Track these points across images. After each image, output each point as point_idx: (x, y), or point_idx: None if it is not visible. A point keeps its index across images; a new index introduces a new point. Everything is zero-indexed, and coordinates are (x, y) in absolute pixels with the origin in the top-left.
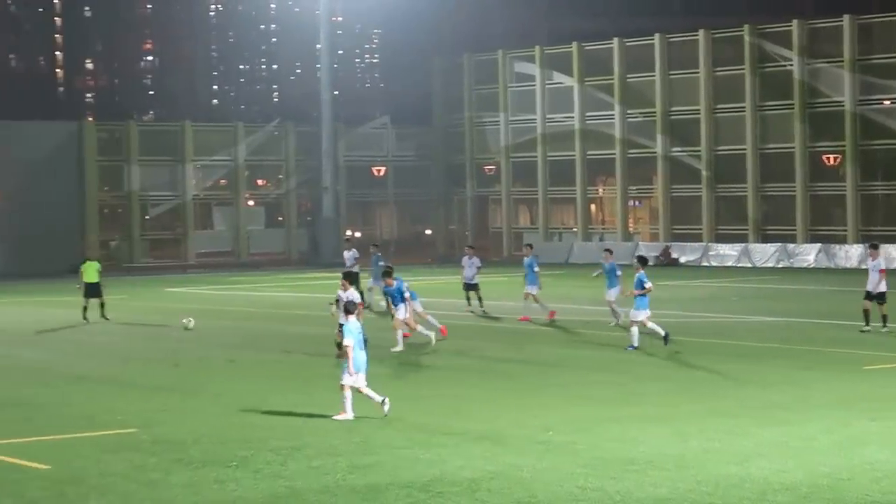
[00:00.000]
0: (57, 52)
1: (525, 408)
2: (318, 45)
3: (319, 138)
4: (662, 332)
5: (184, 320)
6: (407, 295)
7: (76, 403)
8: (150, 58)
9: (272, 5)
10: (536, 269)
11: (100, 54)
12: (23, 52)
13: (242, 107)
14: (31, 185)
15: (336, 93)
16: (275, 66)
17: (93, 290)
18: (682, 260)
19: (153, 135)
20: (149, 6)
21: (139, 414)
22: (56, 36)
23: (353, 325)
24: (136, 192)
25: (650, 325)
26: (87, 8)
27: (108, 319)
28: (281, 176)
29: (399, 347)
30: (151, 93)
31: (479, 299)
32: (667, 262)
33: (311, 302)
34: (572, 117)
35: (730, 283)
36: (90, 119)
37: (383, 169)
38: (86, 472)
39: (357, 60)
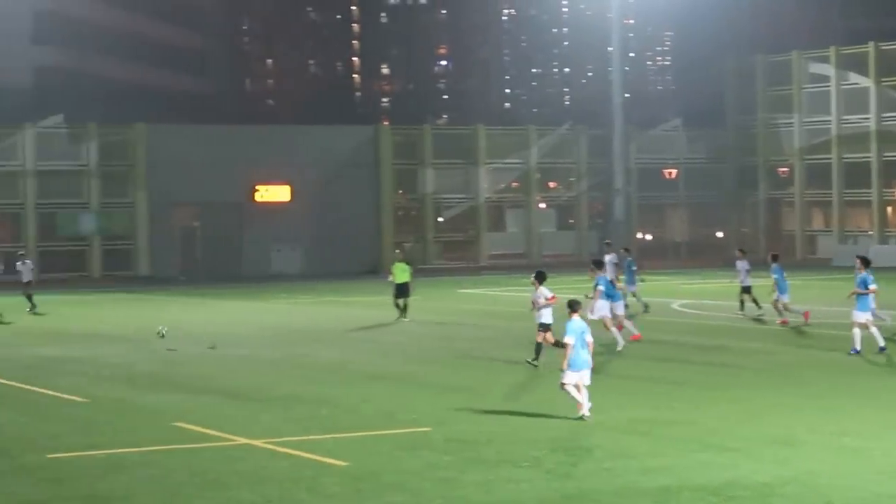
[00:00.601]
0: (354, 58)
1: (819, 412)
2: (610, 48)
3: (611, 141)
4: (881, 343)
5: (159, 327)
6: (599, 287)
7: (373, 402)
8: (443, 62)
9: (564, 9)
10: (775, 276)
11: (395, 59)
12: (321, 57)
13: (534, 110)
14: (329, 188)
15: (627, 95)
16: (566, 70)
17: (401, 290)
18: None
19: (447, 138)
20: (443, 11)
21: (433, 413)
22: (353, 42)
23: (575, 323)
24: (430, 195)
25: (872, 329)
26: (383, 14)
27: (402, 319)
28: (572, 178)
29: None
30: (445, 97)
31: (742, 302)
32: None
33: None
34: (868, 118)
35: None
36: (386, 123)
37: (674, 171)
38: (382, 469)
39: (649, 63)
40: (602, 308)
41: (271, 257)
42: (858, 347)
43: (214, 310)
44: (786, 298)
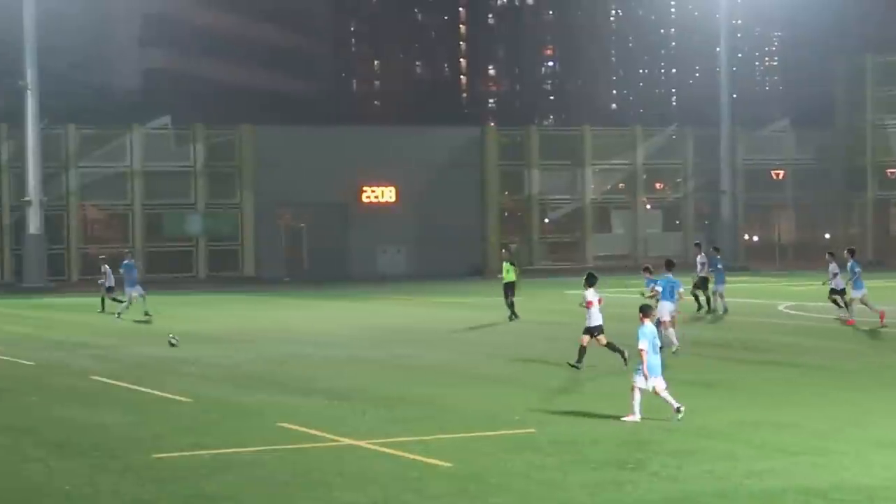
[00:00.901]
0: (461, 59)
1: None
2: (718, 49)
3: (718, 141)
4: None
5: (170, 337)
6: (657, 288)
7: (477, 402)
8: (550, 63)
9: (672, 10)
10: (857, 269)
11: (502, 60)
12: (428, 59)
13: (641, 110)
14: (435, 188)
15: (735, 96)
16: (673, 70)
17: (508, 289)
18: None
19: (553, 139)
20: (550, 12)
21: (537, 414)
22: (460, 43)
23: (647, 328)
24: (536, 196)
25: None
26: (490, 15)
27: (511, 321)
28: (679, 179)
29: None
30: (552, 98)
31: (844, 305)
32: None
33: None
34: None
35: None
36: (492, 124)
37: (782, 172)
38: (487, 471)
39: (756, 63)
40: (665, 309)
41: (377, 258)
42: None
43: (319, 311)
44: (859, 294)
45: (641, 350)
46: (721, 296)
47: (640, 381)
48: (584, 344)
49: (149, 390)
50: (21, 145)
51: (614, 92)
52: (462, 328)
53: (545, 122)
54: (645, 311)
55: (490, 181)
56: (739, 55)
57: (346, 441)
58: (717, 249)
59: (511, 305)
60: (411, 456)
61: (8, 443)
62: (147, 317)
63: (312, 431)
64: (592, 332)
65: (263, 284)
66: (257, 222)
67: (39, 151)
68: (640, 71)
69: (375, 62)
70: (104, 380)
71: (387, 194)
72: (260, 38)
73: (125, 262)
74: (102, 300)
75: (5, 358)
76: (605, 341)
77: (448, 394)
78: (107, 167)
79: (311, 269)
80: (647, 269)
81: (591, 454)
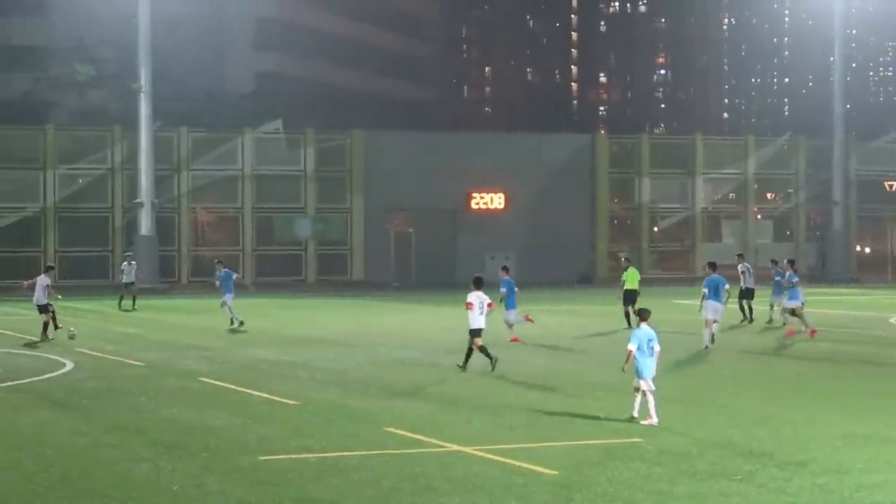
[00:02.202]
0: (572, 66)
1: None
2: (832, 58)
3: (831, 152)
4: None
5: (70, 329)
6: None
7: (584, 410)
8: (662, 71)
9: (785, 19)
10: (779, 279)
11: (613, 68)
12: (539, 65)
13: (753, 120)
14: (544, 196)
15: (848, 106)
16: (786, 80)
17: (630, 297)
18: None
19: (664, 148)
20: (662, 20)
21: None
22: (572, 50)
23: (641, 331)
24: (646, 204)
25: None
26: (602, 23)
27: (629, 328)
28: (790, 189)
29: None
30: (663, 106)
31: None
32: None
33: (819, 318)
34: None
35: None
36: (602, 132)
37: (895, 183)
38: (592, 479)
39: (870, 73)
40: (710, 309)
41: (485, 264)
42: None
43: (427, 316)
44: (792, 305)
45: (629, 350)
46: (772, 306)
47: (643, 384)
48: (474, 346)
49: (257, 393)
50: (134, 147)
51: (726, 101)
52: (570, 336)
53: (656, 130)
54: (642, 314)
55: (600, 189)
56: (853, 65)
57: (453, 447)
58: (774, 262)
59: (627, 315)
60: (517, 463)
61: (118, 442)
62: (233, 325)
63: (419, 436)
64: (474, 334)
65: (372, 289)
66: (367, 227)
67: (152, 154)
68: (753, 80)
69: (487, 68)
70: (213, 381)
71: (496, 201)
72: (372, 43)
73: (219, 272)
74: (134, 298)
75: (115, 358)
76: (480, 343)
77: (555, 401)
78: (218, 170)
79: (419, 275)
80: (504, 269)
81: (700, 464)
